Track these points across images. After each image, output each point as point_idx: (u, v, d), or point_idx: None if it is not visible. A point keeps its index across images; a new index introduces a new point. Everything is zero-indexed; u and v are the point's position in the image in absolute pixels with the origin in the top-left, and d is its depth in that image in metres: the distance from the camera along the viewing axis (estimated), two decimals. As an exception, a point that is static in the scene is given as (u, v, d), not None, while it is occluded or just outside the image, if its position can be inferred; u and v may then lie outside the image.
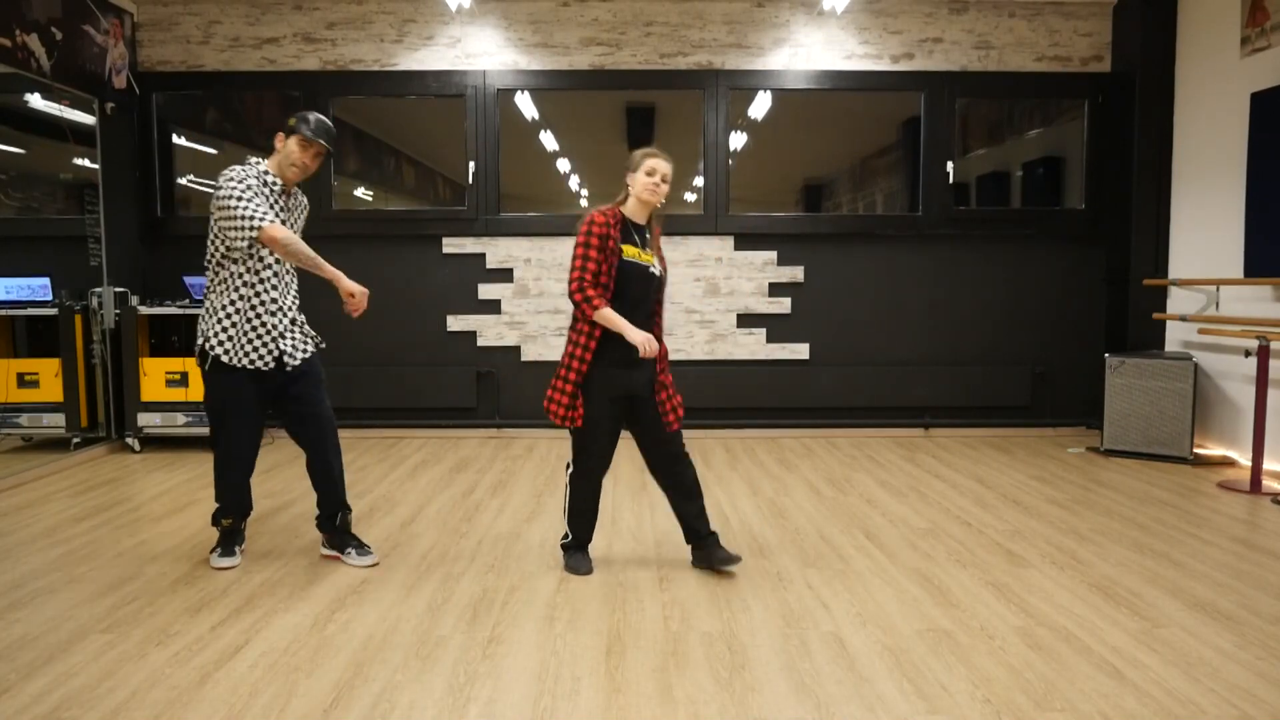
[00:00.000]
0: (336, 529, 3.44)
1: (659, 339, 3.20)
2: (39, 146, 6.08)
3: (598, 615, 2.91)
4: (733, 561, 3.26)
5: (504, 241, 6.09)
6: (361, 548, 3.43)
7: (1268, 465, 4.79)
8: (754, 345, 6.17)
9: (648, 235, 3.25)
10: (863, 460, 5.34)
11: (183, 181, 6.32)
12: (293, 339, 3.31)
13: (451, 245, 6.07)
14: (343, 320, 6.10)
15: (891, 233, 6.15)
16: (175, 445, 5.72)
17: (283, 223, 3.24)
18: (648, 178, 3.15)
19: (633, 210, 3.22)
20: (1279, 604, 2.99)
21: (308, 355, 3.35)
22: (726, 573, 3.30)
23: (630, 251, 3.15)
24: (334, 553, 3.45)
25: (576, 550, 3.39)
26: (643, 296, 3.18)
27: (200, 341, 3.24)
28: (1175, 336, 5.77)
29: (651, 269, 3.19)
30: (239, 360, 3.22)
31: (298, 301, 3.39)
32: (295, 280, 3.39)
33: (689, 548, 3.40)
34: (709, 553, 3.31)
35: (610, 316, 3.07)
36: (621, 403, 3.21)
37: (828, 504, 4.30)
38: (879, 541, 3.68)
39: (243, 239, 3.10)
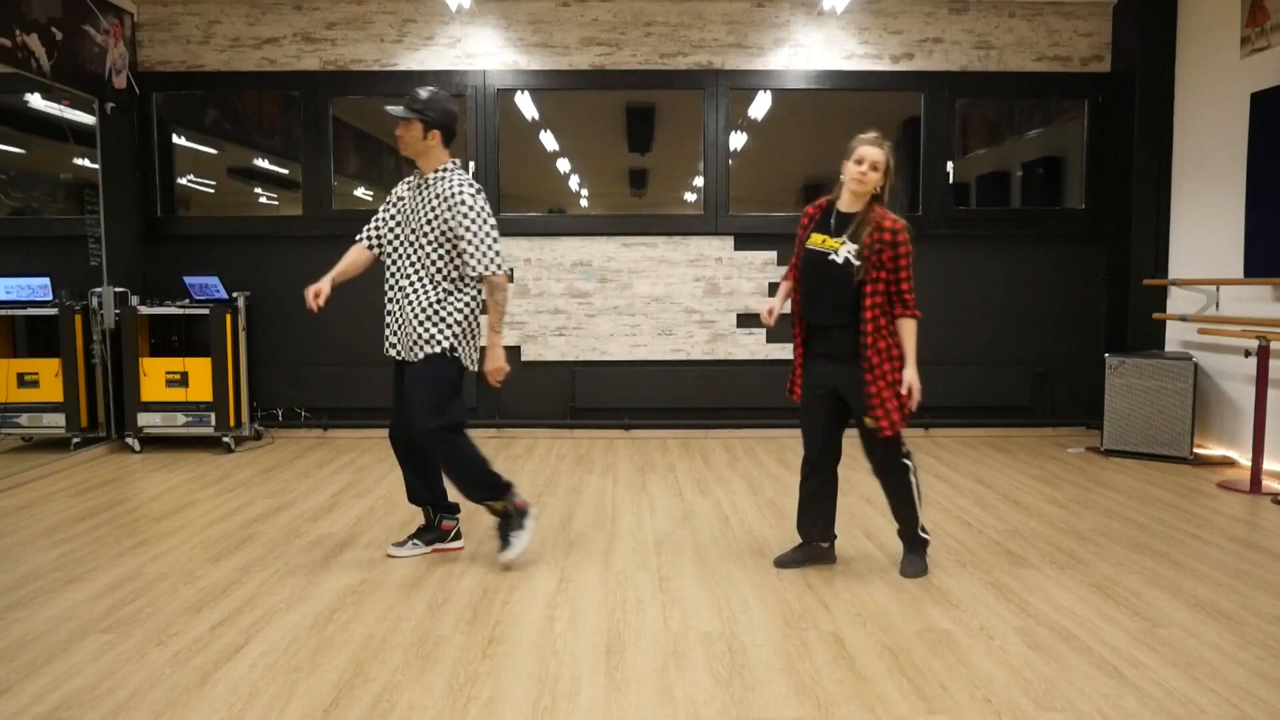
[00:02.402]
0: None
1: (858, 336, 3.07)
2: (39, 146, 6.09)
3: (598, 615, 2.91)
4: (905, 575, 3.25)
5: (504, 241, 6.05)
6: (502, 544, 3.43)
7: (1268, 465, 4.78)
8: (754, 345, 6.17)
9: (857, 224, 3.08)
10: (862, 460, 5.32)
11: (183, 181, 6.32)
12: None
13: (451, 245, 6.06)
14: (342, 320, 6.13)
15: (891, 233, 6.14)
16: (175, 445, 5.72)
17: (400, 214, 3.40)
18: (855, 165, 3.06)
19: (845, 199, 3.14)
20: (1279, 604, 2.99)
21: None
22: (775, 571, 3.34)
23: (815, 239, 3.14)
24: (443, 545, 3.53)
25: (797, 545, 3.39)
26: (821, 285, 3.11)
27: (446, 345, 3.27)
28: (1175, 336, 5.77)
29: (831, 255, 3.08)
30: (472, 363, 3.38)
31: None
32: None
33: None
34: (903, 557, 3.33)
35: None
36: (827, 398, 3.20)
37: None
38: (879, 541, 3.68)
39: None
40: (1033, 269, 6.18)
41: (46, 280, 5.54)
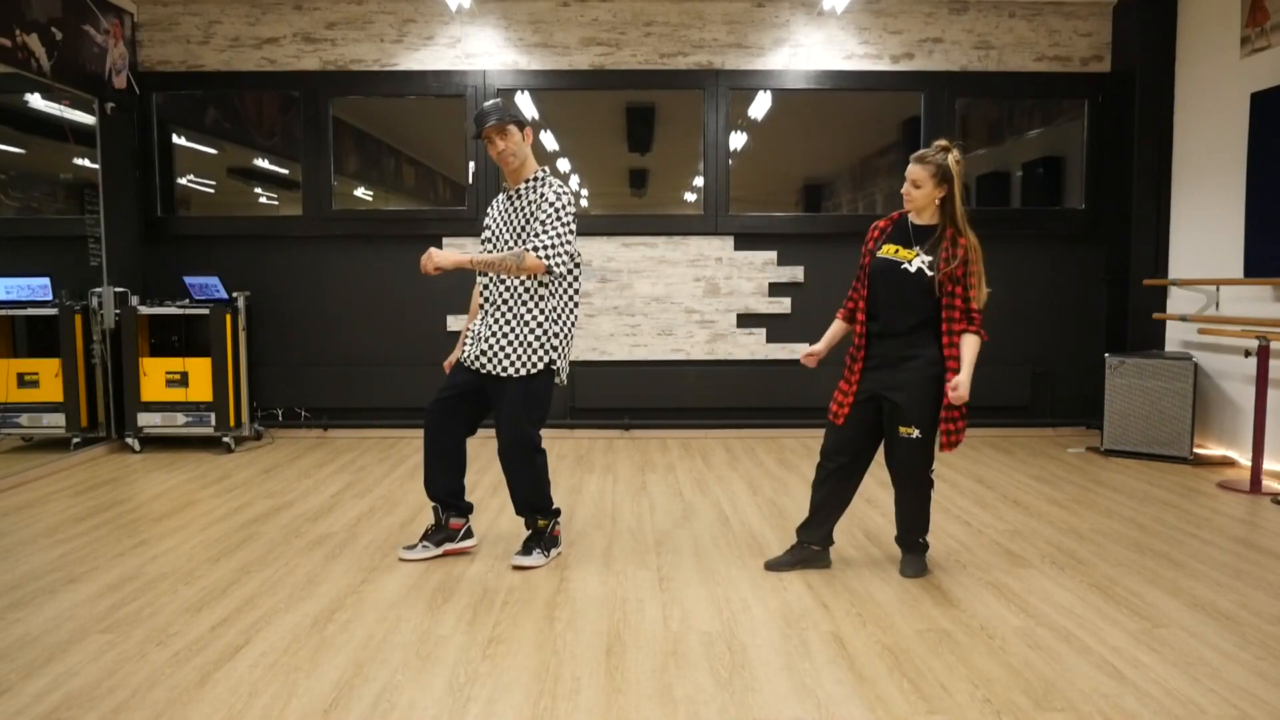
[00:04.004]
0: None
1: (915, 344, 3.10)
2: (39, 146, 6.08)
3: (598, 615, 2.91)
4: (905, 576, 3.24)
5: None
6: (526, 549, 3.44)
7: (1268, 465, 4.78)
8: (754, 345, 6.17)
9: (934, 239, 3.11)
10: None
11: (183, 181, 6.32)
12: None
13: (452, 245, 6.06)
14: (342, 320, 6.13)
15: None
16: (175, 445, 5.72)
17: (494, 225, 3.36)
18: (904, 190, 3.16)
19: (914, 214, 3.19)
20: (1279, 604, 2.99)
21: None
22: (780, 572, 3.33)
23: (886, 250, 3.16)
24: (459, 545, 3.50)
25: (793, 544, 3.39)
26: (890, 294, 3.12)
27: (547, 360, 3.28)
28: (1175, 336, 5.77)
29: (904, 265, 3.10)
30: (562, 376, 3.40)
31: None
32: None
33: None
34: (902, 559, 3.34)
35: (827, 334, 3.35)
36: (869, 403, 3.17)
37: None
38: (879, 541, 3.68)
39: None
40: (1033, 269, 6.18)
41: (46, 280, 5.54)
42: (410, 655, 2.60)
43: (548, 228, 3.23)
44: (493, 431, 3.45)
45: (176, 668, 2.51)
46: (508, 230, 3.32)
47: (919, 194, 3.10)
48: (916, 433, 3.09)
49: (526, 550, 3.41)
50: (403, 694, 2.36)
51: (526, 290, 3.28)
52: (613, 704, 2.31)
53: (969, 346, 3.10)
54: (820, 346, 3.31)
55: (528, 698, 2.34)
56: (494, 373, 3.30)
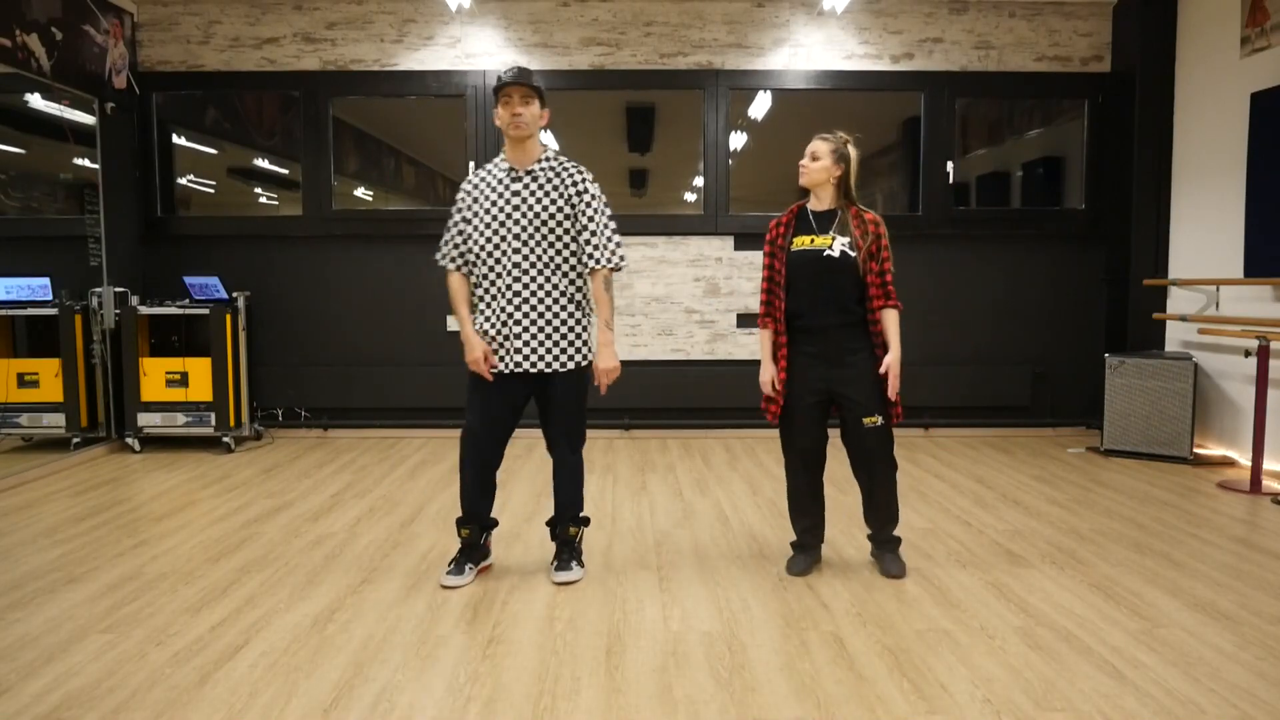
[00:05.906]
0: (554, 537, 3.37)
1: (854, 333, 3.11)
2: (39, 146, 6.09)
3: (598, 615, 2.91)
4: (894, 576, 3.23)
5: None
6: (565, 562, 3.28)
7: (1268, 465, 4.78)
8: (754, 345, 6.17)
9: (840, 220, 3.13)
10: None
11: (183, 181, 6.32)
12: None
13: (451, 245, 6.06)
14: (342, 320, 6.12)
15: (891, 233, 6.13)
16: (175, 445, 5.72)
17: (499, 212, 3.07)
18: (802, 160, 3.16)
19: (813, 200, 3.20)
20: (1279, 604, 2.99)
21: None
22: (775, 571, 3.31)
23: (801, 242, 3.13)
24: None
25: (794, 550, 3.37)
26: (819, 284, 3.08)
27: (588, 350, 3.19)
28: (1175, 336, 5.77)
29: (826, 251, 3.08)
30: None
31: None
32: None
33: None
34: (878, 556, 3.34)
35: (760, 343, 3.22)
36: (821, 403, 3.15)
37: (828, 504, 4.28)
38: (879, 541, 3.68)
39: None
40: (1033, 269, 6.18)
41: (46, 280, 5.55)
42: (410, 655, 2.60)
43: (605, 226, 3.12)
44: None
45: (176, 668, 2.51)
46: (524, 216, 3.05)
47: (815, 166, 3.14)
48: (880, 419, 3.14)
49: (578, 560, 3.30)
50: (403, 694, 2.36)
51: (572, 284, 3.13)
52: (613, 704, 2.31)
53: (892, 322, 3.12)
54: (772, 373, 3.18)
55: (528, 698, 2.34)
56: (550, 369, 3.11)
